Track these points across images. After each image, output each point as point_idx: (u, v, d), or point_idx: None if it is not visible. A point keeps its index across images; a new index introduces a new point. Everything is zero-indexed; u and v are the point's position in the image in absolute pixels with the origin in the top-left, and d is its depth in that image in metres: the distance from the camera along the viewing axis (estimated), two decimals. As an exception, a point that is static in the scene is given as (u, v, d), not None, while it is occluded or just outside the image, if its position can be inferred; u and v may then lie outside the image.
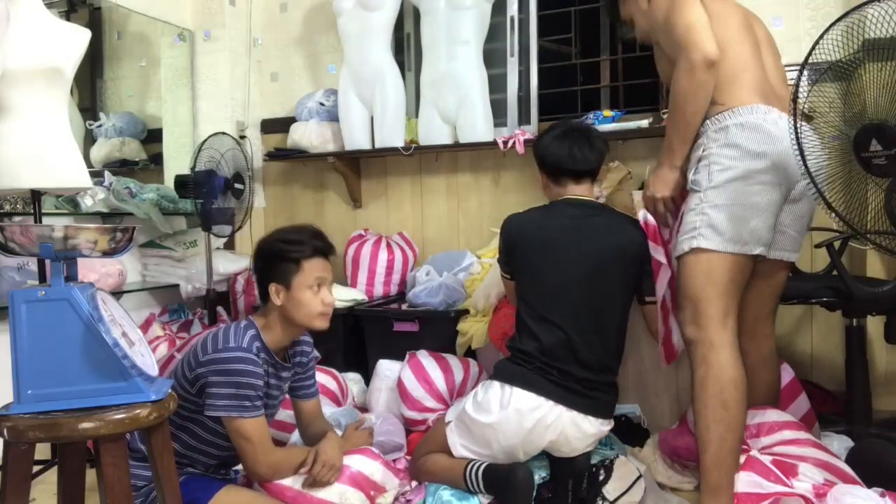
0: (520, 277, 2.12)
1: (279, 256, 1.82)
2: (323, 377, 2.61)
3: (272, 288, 1.81)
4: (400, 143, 3.35)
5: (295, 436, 2.29)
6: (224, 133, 3.32)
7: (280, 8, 3.88)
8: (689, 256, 1.87)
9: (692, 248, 1.86)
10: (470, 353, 2.81)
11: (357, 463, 1.89)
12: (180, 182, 3.19)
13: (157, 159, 3.75)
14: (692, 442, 2.15)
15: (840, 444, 2.28)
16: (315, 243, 1.84)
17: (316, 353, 2.09)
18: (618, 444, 2.30)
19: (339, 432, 2.19)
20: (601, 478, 2.04)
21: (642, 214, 2.27)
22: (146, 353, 1.45)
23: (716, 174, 1.84)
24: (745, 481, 1.74)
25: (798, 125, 1.78)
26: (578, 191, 2.16)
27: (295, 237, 1.85)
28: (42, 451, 1.90)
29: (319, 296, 1.83)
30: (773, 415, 1.97)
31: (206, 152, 3.19)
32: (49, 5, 2.39)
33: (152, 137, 3.79)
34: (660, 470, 2.22)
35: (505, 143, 3.10)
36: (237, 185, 3.27)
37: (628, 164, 2.86)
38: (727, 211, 1.82)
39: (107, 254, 1.41)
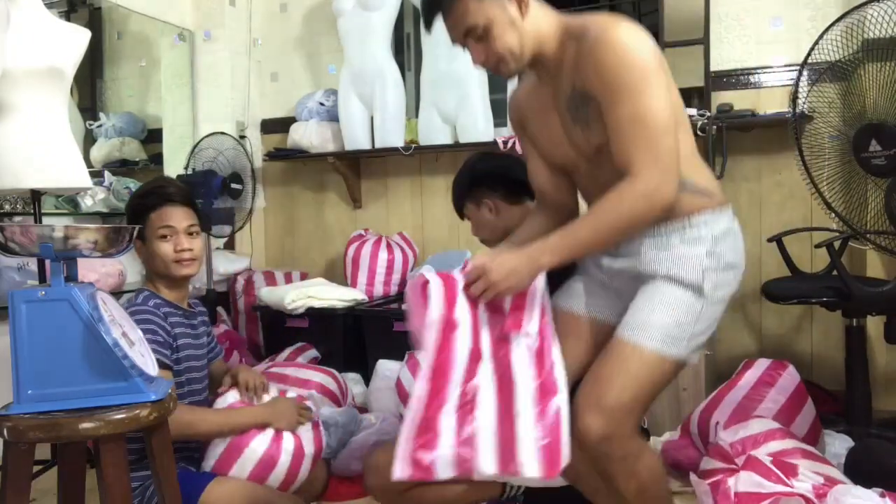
0: None
1: (131, 214, 1.82)
2: (323, 377, 2.61)
3: (136, 244, 1.80)
4: (400, 143, 3.35)
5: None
6: (223, 133, 3.32)
7: (280, 8, 3.88)
8: (667, 362, 1.41)
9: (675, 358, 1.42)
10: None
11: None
12: (184, 182, 3.20)
13: (157, 159, 3.75)
14: (694, 454, 2.15)
15: (840, 444, 2.28)
16: (160, 192, 1.80)
17: (203, 310, 2.02)
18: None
19: (338, 431, 2.19)
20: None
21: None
22: (146, 353, 1.45)
23: (720, 290, 1.45)
24: (746, 481, 1.74)
25: (798, 125, 1.75)
26: None
27: (141, 192, 1.84)
28: (42, 451, 1.90)
29: (171, 242, 1.78)
30: (756, 425, 1.93)
31: (204, 153, 3.19)
32: (49, 5, 2.39)
33: (152, 137, 3.79)
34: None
35: (505, 142, 3.10)
36: (234, 186, 3.27)
37: (628, 164, 2.86)
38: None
39: (107, 254, 1.41)
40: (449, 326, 1.39)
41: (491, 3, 1.38)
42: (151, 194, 1.81)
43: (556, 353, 1.43)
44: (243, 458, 1.71)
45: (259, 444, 1.72)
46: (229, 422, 1.74)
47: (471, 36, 1.42)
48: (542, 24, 1.42)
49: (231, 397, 1.81)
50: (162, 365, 1.64)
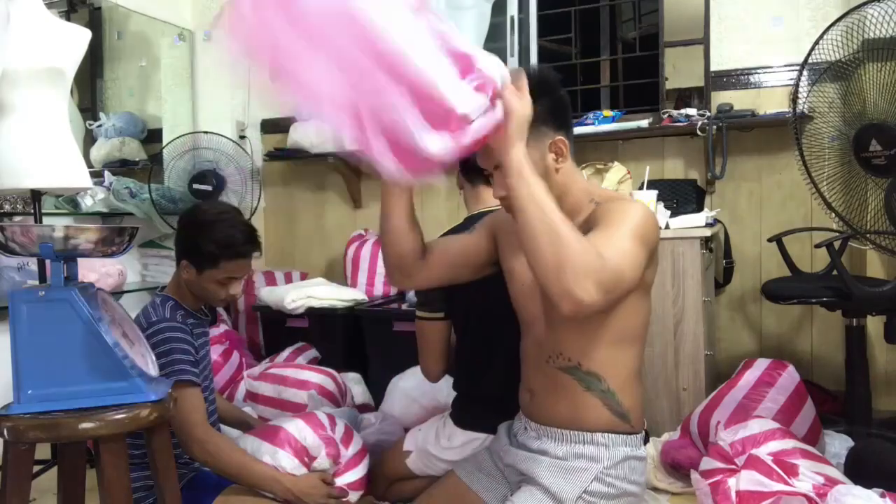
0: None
1: (202, 248, 1.73)
2: (322, 378, 2.61)
3: (184, 263, 1.76)
4: (400, 143, 3.35)
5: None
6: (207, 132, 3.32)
7: (280, 8, 3.87)
8: None
9: None
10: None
11: (292, 428, 1.84)
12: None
13: (157, 159, 3.75)
14: (694, 454, 2.15)
15: (840, 444, 2.28)
16: (240, 249, 1.75)
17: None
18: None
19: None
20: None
21: None
22: (146, 353, 1.45)
23: None
24: (748, 480, 1.74)
25: (798, 125, 1.75)
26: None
27: (223, 238, 1.73)
28: (42, 451, 1.89)
29: (226, 288, 1.77)
30: (756, 425, 1.92)
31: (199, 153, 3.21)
32: (49, 5, 2.38)
33: (152, 137, 3.78)
34: (659, 476, 2.22)
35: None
36: (196, 186, 3.26)
37: (627, 165, 2.86)
38: None
39: (107, 254, 1.41)
40: None
41: (532, 146, 1.29)
42: (233, 247, 1.73)
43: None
44: None
45: None
46: (251, 473, 1.71)
47: (501, 170, 1.30)
48: (570, 179, 1.40)
49: (285, 460, 1.77)
50: (193, 384, 1.66)
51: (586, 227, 1.32)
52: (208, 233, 1.73)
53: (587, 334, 1.37)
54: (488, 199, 1.76)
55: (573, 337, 1.38)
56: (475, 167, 1.65)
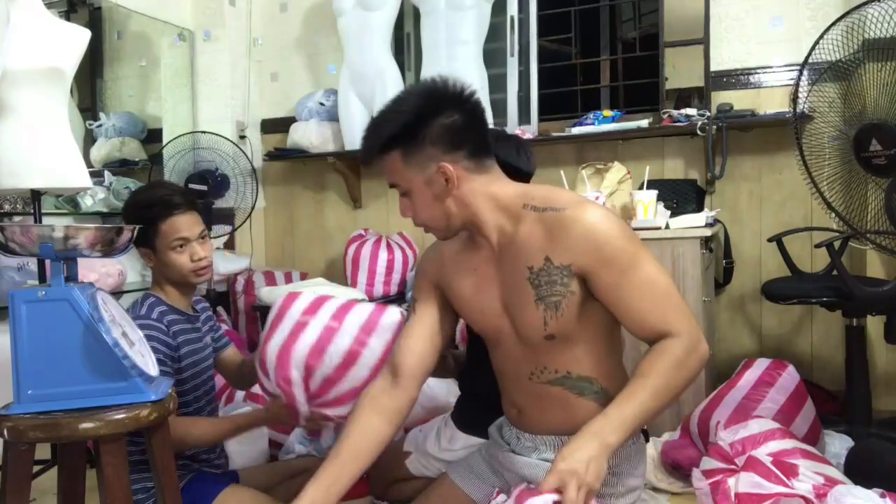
0: None
1: (138, 222, 1.69)
2: (323, 377, 2.61)
3: (142, 252, 1.76)
4: (400, 143, 3.35)
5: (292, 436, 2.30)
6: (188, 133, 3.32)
7: (280, 8, 3.88)
8: None
9: None
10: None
11: None
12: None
13: (157, 159, 3.75)
14: (694, 454, 2.15)
15: (840, 444, 2.28)
16: (167, 202, 1.72)
17: (207, 305, 2.00)
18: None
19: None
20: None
21: None
22: (146, 353, 1.45)
23: None
24: (746, 482, 1.74)
25: (798, 125, 1.75)
26: None
27: (145, 199, 1.74)
28: (42, 451, 1.90)
29: (186, 252, 1.73)
30: (756, 425, 1.92)
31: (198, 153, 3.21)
32: (49, 5, 2.38)
33: (152, 137, 3.79)
34: (659, 476, 2.22)
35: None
36: (193, 186, 3.26)
37: (627, 165, 2.86)
38: None
39: (107, 254, 1.41)
40: None
41: (414, 173, 1.29)
42: (157, 205, 1.73)
43: None
44: None
45: None
46: (224, 427, 1.73)
47: (396, 189, 1.34)
48: (480, 197, 1.31)
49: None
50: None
51: (548, 242, 1.27)
52: (136, 203, 1.77)
53: (572, 346, 1.33)
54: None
55: (557, 350, 1.33)
56: (519, 171, 1.67)
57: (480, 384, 1.80)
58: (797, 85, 2.55)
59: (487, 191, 1.32)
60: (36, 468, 2.09)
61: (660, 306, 1.27)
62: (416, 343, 1.45)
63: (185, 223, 1.73)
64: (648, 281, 1.26)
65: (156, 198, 1.74)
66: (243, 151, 3.48)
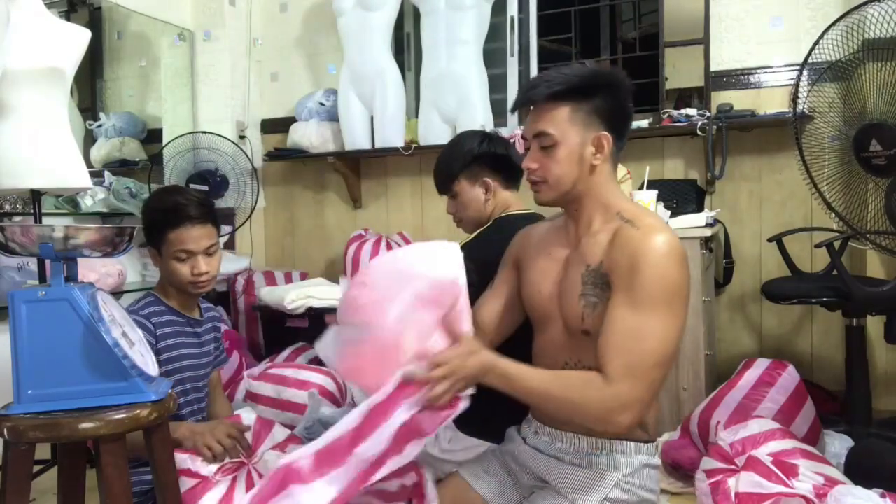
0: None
1: (148, 226, 1.73)
2: (322, 378, 2.61)
3: (149, 251, 1.77)
4: (400, 143, 3.35)
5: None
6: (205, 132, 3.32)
7: (280, 8, 3.88)
8: None
9: None
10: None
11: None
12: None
13: (157, 159, 3.75)
14: (694, 454, 2.15)
15: (840, 444, 2.28)
16: (181, 213, 1.70)
17: (216, 315, 1.98)
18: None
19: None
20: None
21: None
22: (146, 353, 1.44)
23: None
24: (746, 481, 1.74)
25: (798, 125, 1.75)
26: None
27: (161, 204, 1.73)
28: (42, 451, 1.89)
29: (188, 264, 1.72)
30: (756, 425, 1.92)
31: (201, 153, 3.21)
32: (49, 5, 2.38)
33: (152, 137, 3.79)
34: (660, 476, 2.22)
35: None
36: (193, 186, 3.26)
37: (627, 165, 2.86)
38: None
39: (107, 254, 1.41)
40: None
41: (574, 130, 1.34)
42: (171, 212, 1.71)
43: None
44: None
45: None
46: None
47: (538, 140, 1.37)
48: (600, 183, 1.38)
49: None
50: None
51: (608, 248, 1.32)
52: (151, 205, 1.78)
53: None
54: (514, 203, 1.86)
55: (593, 347, 1.33)
56: (518, 169, 1.75)
57: (482, 385, 1.80)
58: (797, 85, 2.55)
59: (609, 180, 1.40)
60: (36, 468, 2.09)
61: (625, 356, 1.24)
62: (491, 306, 1.54)
63: (194, 236, 1.72)
64: (642, 329, 1.24)
65: (170, 204, 1.72)
66: (243, 151, 3.48)
